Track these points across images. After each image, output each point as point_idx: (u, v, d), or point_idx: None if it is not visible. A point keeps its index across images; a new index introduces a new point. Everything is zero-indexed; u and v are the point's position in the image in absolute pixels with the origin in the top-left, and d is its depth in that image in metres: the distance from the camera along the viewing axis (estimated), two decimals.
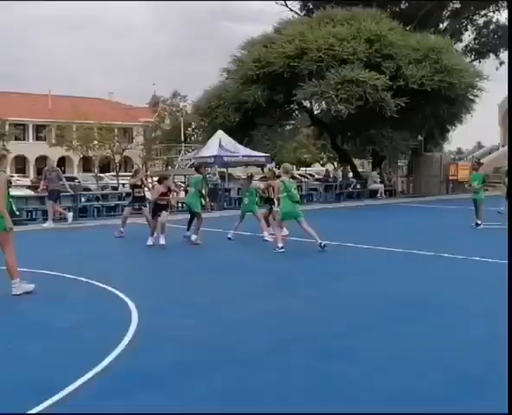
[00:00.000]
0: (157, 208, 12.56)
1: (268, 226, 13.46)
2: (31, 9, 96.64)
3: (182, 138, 28.91)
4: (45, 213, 17.46)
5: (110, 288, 8.01)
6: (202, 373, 4.87)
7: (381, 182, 29.40)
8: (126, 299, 7.34)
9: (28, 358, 5.30)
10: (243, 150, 25.50)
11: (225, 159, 24.33)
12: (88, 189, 27.55)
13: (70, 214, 17.27)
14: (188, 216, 13.39)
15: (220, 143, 24.81)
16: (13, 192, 18.93)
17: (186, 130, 35.35)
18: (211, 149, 24.73)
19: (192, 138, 37.20)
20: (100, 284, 8.27)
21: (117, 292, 7.75)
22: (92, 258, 11.35)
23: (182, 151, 26.42)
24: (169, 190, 12.82)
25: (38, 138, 56.59)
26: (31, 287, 7.77)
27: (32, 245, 13.37)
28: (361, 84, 25.55)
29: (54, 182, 17.05)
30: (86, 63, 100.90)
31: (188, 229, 13.01)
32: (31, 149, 56.16)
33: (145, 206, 14.43)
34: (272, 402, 4.33)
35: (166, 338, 5.84)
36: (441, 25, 38.86)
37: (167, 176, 13.91)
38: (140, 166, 29.90)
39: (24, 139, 56.75)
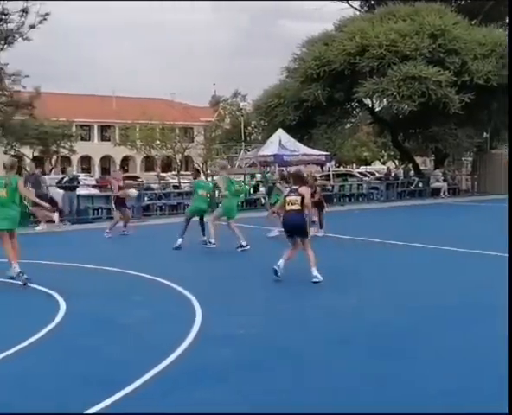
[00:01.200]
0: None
1: (321, 226, 13.58)
2: (88, 14, 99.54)
3: (243, 137, 29.08)
4: (110, 211, 17.96)
5: (174, 285, 8.17)
6: (262, 371, 4.91)
7: (444, 181, 28.70)
8: (190, 296, 7.46)
9: (92, 354, 5.46)
10: (303, 149, 25.43)
11: (285, 158, 24.33)
12: (151, 188, 28.13)
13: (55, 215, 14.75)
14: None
15: (279, 141, 24.83)
16: (80, 191, 19.74)
17: (246, 129, 35.58)
18: (271, 147, 24.79)
19: (252, 137, 37.38)
20: (165, 281, 8.45)
21: (180, 289, 7.89)
22: (156, 255, 11.59)
23: (242, 150, 26.58)
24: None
25: (103, 138, 58.33)
26: None
27: (97, 242, 13.81)
28: (424, 80, 25.02)
29: (36, 189, 15.35)
30: (148, 64, 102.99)
31: (203, 234, 12.45)
32: (96, 149, 57.84)
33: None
34: (327, 400, 4.33)
35: (229, 336, 5.91)
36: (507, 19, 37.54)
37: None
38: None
39: (90, 140, 58.50)
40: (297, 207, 8.54)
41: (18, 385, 4.70)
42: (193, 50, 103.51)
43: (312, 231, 11.63)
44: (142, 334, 6.07)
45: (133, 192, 15.39)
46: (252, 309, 6.97)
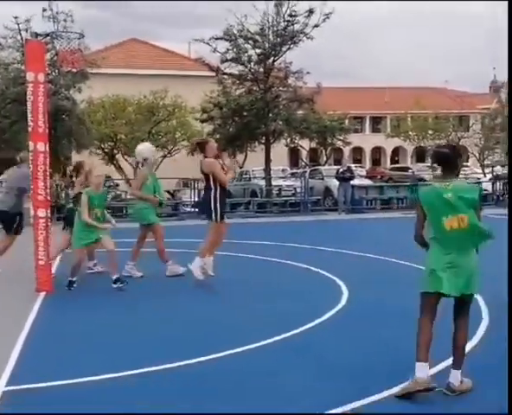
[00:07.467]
0: None
1: None
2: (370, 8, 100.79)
3: None
4: (387, 202, 18.03)
5: None
6: None
7: None
8: None
9: (376, 342, 5.54)
10: None
11: None
12: (423, 179, 27.58)
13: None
14: None
15: None
16: (354, 182, 20.24)
17: None
18: None
19: None
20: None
21: None
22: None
23: None
24: None
25: (374, 130, 59.17)
26: (180, 270, 8.49)
27: (372, 231, 14.03)
28: None
29: (9, 193, 8.74)
30: (420, 53, 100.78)
31: None
32: (368, 140, 58.83)
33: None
34: None
35: None
36: None
37: None
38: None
39: (362, 131, 59.68)
40: None
41: (317, 356, 5.13)
42: (468, 36, 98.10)
43: None
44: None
45: None
46: None
